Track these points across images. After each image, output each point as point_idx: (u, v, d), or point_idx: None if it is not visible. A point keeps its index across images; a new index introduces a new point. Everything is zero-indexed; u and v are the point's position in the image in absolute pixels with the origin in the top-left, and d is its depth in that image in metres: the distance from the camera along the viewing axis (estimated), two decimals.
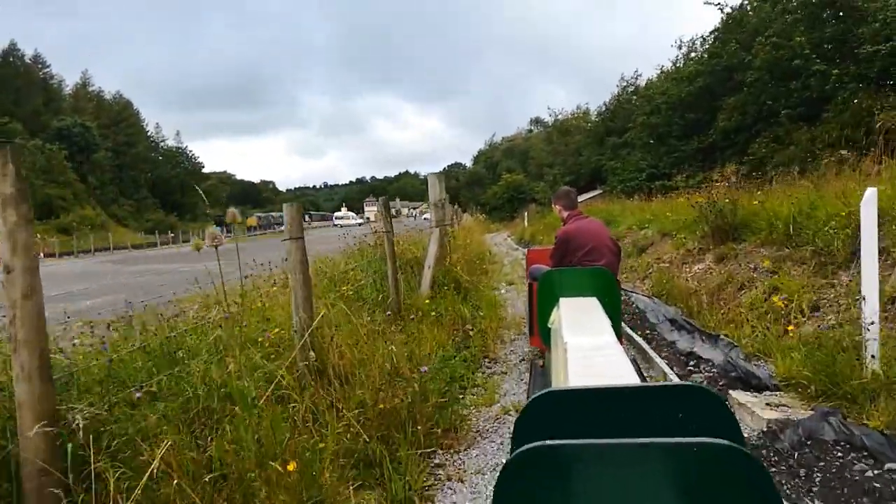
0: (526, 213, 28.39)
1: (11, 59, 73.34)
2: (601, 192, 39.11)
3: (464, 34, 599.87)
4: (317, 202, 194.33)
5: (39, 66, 78.84)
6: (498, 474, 1.28)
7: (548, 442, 1.23)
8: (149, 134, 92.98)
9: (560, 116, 54.53)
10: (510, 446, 1.64)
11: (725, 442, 1.18)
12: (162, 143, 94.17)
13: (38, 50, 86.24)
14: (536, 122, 73.68)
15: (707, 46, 28.22)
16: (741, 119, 24.12)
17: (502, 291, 10.63)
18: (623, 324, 5.61)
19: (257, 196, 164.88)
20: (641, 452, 1.20)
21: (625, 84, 44.08)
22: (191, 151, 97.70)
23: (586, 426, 1.45)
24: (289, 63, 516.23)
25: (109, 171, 74.95)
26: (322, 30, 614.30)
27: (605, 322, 3.09)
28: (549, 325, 3.89)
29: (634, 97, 43.20)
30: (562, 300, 3.85)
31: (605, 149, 42.13)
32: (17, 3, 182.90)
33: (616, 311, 4.23)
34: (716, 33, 27.35)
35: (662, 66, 35.35)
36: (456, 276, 7.96)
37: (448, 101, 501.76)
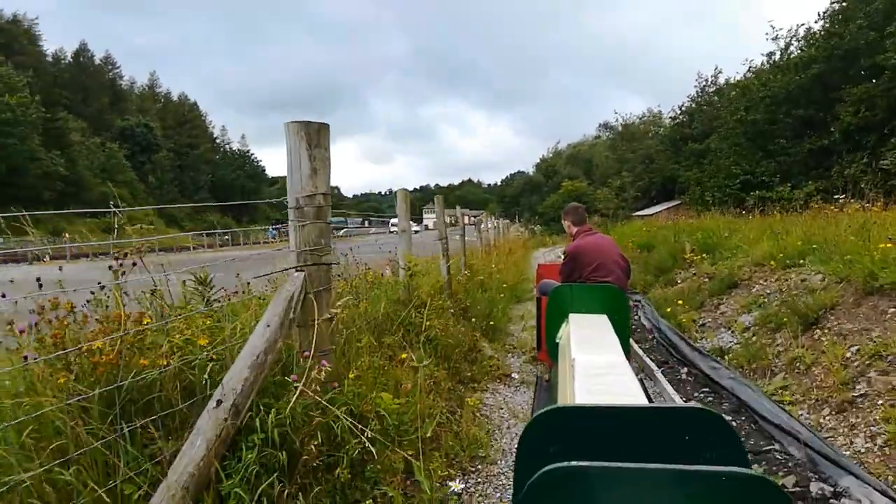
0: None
1: (81, 60, 73.24)
2: (678, 203, 33.54)
3: (536, 42, 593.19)
4: (380, 208, 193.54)
5: (109, 67, 78.73)
6: (522, 494, 1.26)
7: (573, 463, 1.22)
8: (214, 136, 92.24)
9: (628, 121, 48.59)
10: (515, 459, 1.58)
11: (754, 472, 1.18)
12: (227, 146, 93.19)
13: (109, 51, 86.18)
14: (605, 126, 67.68)
15: (821, 28, 22.55)
16: (870, 115, 18.49)
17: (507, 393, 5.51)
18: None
19: None
20: (670, 479, 1.19)
21: (703, 84, 38.27)
22: (253, 154, 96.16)
23: (592, 444, 1.48)
24: (361, 70, 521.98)
25: (170, 171, 73.80)
26: (395, 37, 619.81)
27: (614, 340, 3.06)
28: (557, 341, 3.88)
29: (716, 97, 37.44)
30: (571, 316, 3.84)
31: (681, 156, 36.56)
32: (100, 6, 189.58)
33: (625, 329, 4.03)
34: (834, 10, 21.63)
35: (751, 61, 29.57)
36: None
37: (516, 109, 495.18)
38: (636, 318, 8.32)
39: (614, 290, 4.22)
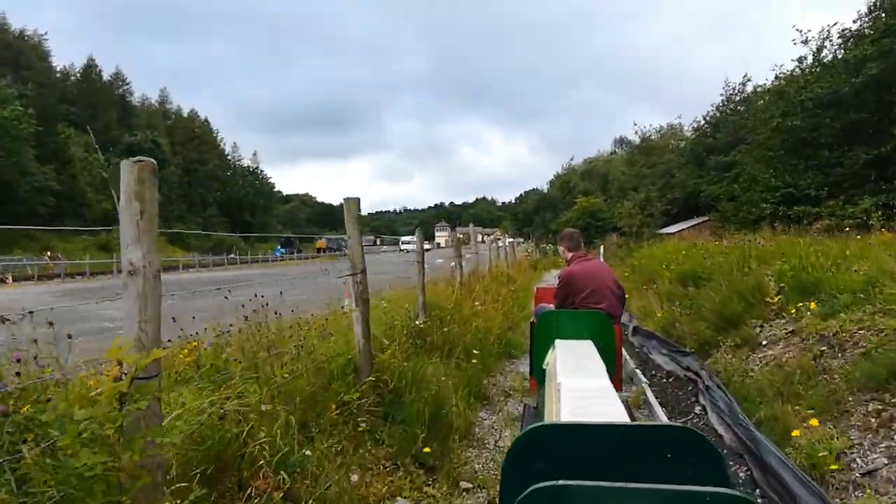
0: (602, 247, 19.61)
1: (90, 75, 71.97)
2: (703, 220, 30.46)
3: (554, 59, 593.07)
4: (394, 226, 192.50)
5: (119, 83, 77.38)
6: None
7: (560, 482, 1.22)
8: (225, 153, 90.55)
9: (647, 134, 45.48)
10: (501, 475, 1.60)
11: (738, 493, 1.18)
12: (237, 163, 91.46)
13: (119, 67, 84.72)
14: (621, 142, 64.78)
15: (861, 26, 19.61)
16: None
17: None
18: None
19: (335, 218, 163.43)
20: (655, 499, 1.19)
21: (730, 92, 35.27)
22: (262, 171, 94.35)
23: (576, 462, 1.48)
24: (378, 89, 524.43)
25: (178, 187, 71.87)
26: (412, 57, 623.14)
27: (600, 365, 3.03)
28: (544, 367, 3.84)
29: (742, 107, 34.46)
30: (557, 342, 3.83)
31: (703, 169, 33.57)
32: (122, 26, 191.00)
33: (611, 355, 3.97)
34: (886, 2, 18.70)
35: (781, 66, 26.44)
36: None
37: (533, 127, 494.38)
38: (698, 413, 5.45)
39: (601, 317, 4.22)
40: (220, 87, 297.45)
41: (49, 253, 31.77)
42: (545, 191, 68.38)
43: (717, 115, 35.14)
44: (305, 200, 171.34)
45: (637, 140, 47.28)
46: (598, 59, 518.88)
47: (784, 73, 24.89)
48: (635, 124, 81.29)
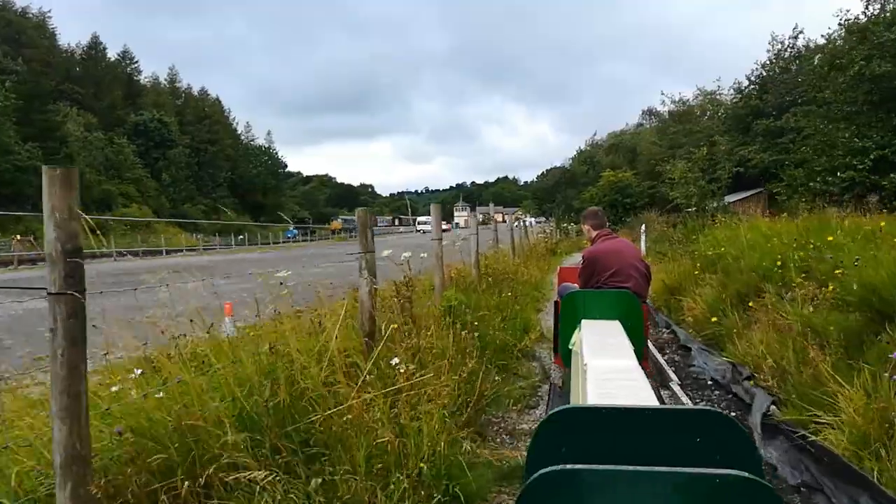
0: (644, 227, 15.11)
1: (94, 53, 68.88)
2: (758, 191, 26.11)
3: (578, 36, 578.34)
4: (415, 207, 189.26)
5: (126, 62, 74.20)
6: (518, 497, 1.22)
7: (567, 466, 1.20)
8: (238, 133, 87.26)
9: (682, 98, 40.35)
10: (526, 458, 1.55)
11: (745, 473, 1.15)
12: (250, 142, 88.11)
13: (126, 45, 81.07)
14: (649, 113, 59.29)
15: None
16: None
17: None
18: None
19: (355, 199, 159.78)
20: (661, 480, 1.16)
21: (779, 48, 30.44)
22: (275, 150, 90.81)
23: (603, 445, 1.44)
24: (402, 70, 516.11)
25: (186, 168, 68.81)
26: (434, 35, 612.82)
27: (627, 345, 2.96)
28: (571, 347, 3.75)
29: (795, 65, 29.69)
30: (583, 322, 3.72)
31: (750, 136, 29.03)
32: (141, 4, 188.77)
33: (639, 334, 3.83)
34: None
35: (847, 11, 21.60)
36: None
37: (557, 106, 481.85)
38: None
39: (628, 296, 4.12)
40: (242, 69, 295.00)
41: (17, 237, 28.50)
42: (567, 167, 63.38)
43: (764, 74, 30.47)
44: (325, 181, 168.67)
45: (667, 111, 42.46)
46: (623, 34, 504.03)
47: (851, 20, 20.29)
48: (663, 93, 74.96)
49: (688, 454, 1.37)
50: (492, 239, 10.83)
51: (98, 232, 2.22)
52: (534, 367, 5.62)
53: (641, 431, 1.44)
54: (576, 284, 4.93)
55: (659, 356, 6.06)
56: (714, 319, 5.97)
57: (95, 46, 68.91)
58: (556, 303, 4.95)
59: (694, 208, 12.70)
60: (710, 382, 5.23)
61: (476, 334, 4.40)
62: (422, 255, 5.21)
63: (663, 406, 1.76)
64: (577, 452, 1.31)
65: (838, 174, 14.72)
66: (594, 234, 4.96)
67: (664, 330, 7.49)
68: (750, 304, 5.48)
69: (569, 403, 2.77)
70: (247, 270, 5.03)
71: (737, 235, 7.59)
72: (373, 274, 3.84)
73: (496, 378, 4.63)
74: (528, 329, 6.45)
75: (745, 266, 6.38)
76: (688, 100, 39.61)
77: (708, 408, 1.60)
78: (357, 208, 4.00)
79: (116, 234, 41.70)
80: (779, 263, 5.43)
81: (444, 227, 6.58)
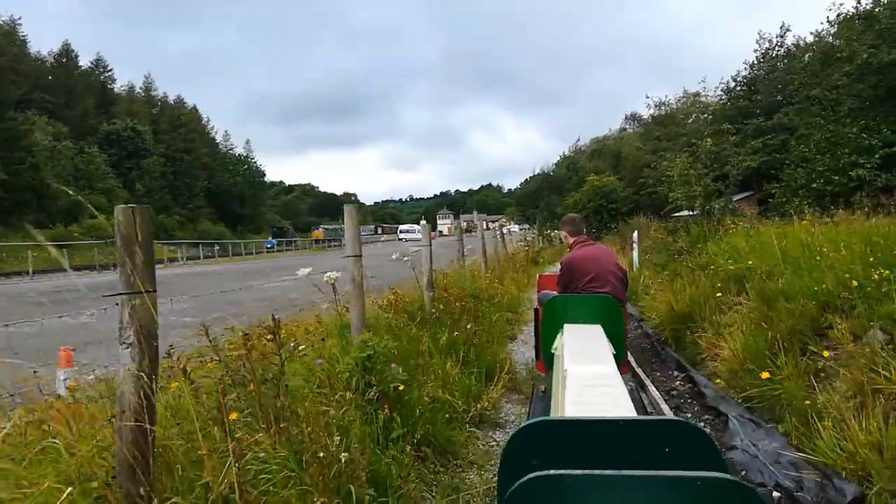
0: (636, 234, 13.29)
1: (66, 61, 66.60)
2: (750, 194, 24.83)
3: (566, 44, 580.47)
4: (399, 215, 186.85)
5: (100, 70, 71.94)
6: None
7: (551, 472, 1.20)
8: (216, 142, 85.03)
9: (665, 102, 39.17)
10: (499, 470, 1.53)
11: (729, 477, 1.16)
12: (228, 151, 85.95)
13: (100, 53, 78.44)
14: (632, 118, 58.18)
15: None
16: None
17: None
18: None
19: (338, 208, 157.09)
20: (645, 484, 1.16)
21: (767, 46, 29.27)
22: (253, 160, 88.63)
23: (575, 456, 1.43)
24: (387, 77, 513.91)
25: (161, 177, 66.62)
26: (422, 44, 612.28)
27: (607, 351, 2.96)
28: (553, 351, 3.72)
29: (783, 63, 28.54)
30: (566, 326, 3.74)
31: (740, 136, 27.77)
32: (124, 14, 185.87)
33: (619, 339, 3.90)
34: None
35: (840, 5, 20.42)
36: None
37: (544, 113, 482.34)
38: None
39: (609, 300, 4.15)
40: (227, 78, 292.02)
41: None
42: (551, 172, 61.92)
43: (752, 74, 29.30)
44: (307, 190, 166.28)
45: (650, 115, 41.23)
46: (612, 45, 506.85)
47: (848, 13, 19.05)
48: (648, 97, 73.76)
49: (658, 463, 1.36)
50: (458, 249, 9.17)
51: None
52: (493, 446, 4.02)
53: (613, 441, 1.45)
54: (555, 292, 4.90)
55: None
56: (765, 375, 4.17)
57: (67, 54, 66.60)
58: (536, 310, 5.09)
59: (698, 211, 11.13)
60: (770, 487, 3.24)
61: (396, 414, 2.77)
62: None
63: (633, 417, 1.64)
64: (548, 464, 1.23)
65: (848, 173, 13.29)
66: (571, 240, 5.03)
67: (675, 372, 5.92)
68: (812, 348, 3.85)
69: (549, 407, 2.87)
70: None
71: (766, 243, 5.87)
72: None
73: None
74: (492, 374, 4.85)
75: (791, 288, 4.75)
76: (671, 103, 38.48)
77: (679, 419, 1.60)
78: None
79: (82, 247, 39.54)
80: (854, 284, 3.82)
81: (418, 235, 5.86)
